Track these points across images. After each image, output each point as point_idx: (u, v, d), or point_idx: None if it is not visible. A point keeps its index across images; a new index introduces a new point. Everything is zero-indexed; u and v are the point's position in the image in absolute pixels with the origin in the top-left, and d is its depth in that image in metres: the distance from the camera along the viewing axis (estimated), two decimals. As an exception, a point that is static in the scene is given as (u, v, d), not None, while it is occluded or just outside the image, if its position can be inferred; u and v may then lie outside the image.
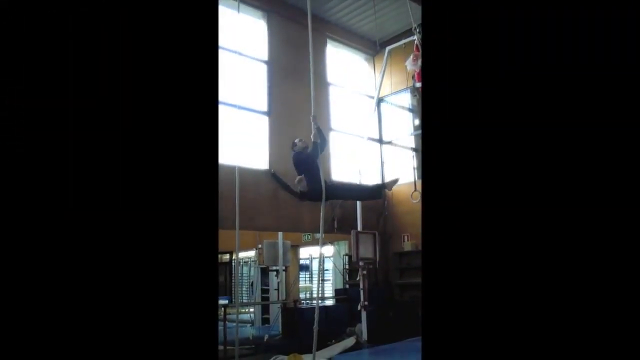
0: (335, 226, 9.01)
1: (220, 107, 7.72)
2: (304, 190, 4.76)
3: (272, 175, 8.47)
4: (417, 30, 4.97)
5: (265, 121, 8.77)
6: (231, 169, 6.23)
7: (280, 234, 10.01)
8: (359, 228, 8.84)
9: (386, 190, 4.99)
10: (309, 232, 10.21)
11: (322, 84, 9.91)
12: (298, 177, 4.80)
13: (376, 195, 5.05)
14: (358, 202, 8.93)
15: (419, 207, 8.58)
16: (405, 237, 10.06)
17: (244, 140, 8.13)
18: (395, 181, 5.06)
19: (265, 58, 9.06)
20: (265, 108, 8.79)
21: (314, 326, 4.43)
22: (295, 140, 5.17)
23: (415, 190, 8.81)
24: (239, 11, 6.57)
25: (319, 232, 8.03)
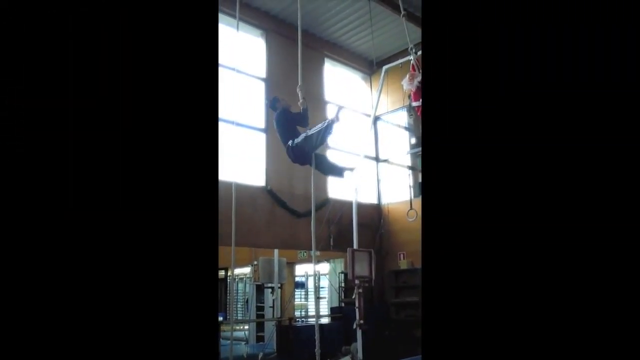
0: (331, 243, 9.00)
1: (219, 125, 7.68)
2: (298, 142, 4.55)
3: (268, 192, 8.48)
4: (413, 50, 5.04)
5: (262, 138, 8.80)
6: (228, 186, 6.24)
7: (275, 250, 9.99)
8: (355, 246, 8.80)
9: (346, 175, 5.02)
10: (304, 249, 10.19)
11: (319, 103, 9.97)
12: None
13: (337, 174, 5.09)
14: (354, 220, 8.92)
15: (414, 225, 8.63)
16: (401, 255, 10.04)
17: (240, 157, 8.15)
18: (352, 169, 5.08)
19: (263, 75, 9.13)
20: (262, 125, 8.84)
21: (316, 349, 4.37)
22: (278, 97, 4.98)
23: (411, 208, 8.82)
24: (237, 29, 6.63)
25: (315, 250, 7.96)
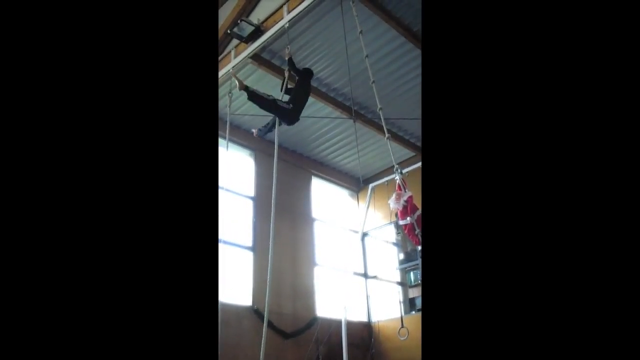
0: (321, 366, 8.62)
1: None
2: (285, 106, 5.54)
3: (255, 311, 8.25)
4: (398, 170, 5.21)
5: (249, 256, 8.72)
6: (214, 306, 6.07)
7: (262, 375, 9.51)
8: (345, 367, 8.45)
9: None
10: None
11: (307, 220, 10.03)
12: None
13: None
14: (344, 340, 8.61)
15: (406, 343, 8.35)
16: (394, 376, 9.61)
17: (227, 275, 8.02)
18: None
19: (252, 194, 9.24)
20: (249, 243, 8.79)
21: None
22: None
23: (403, 326, 8.57)
24: (227, 149, 6.82)
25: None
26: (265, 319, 4.44)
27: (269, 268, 4.52)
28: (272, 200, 4.95)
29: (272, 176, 9.30)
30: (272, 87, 8.25)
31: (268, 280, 4.49)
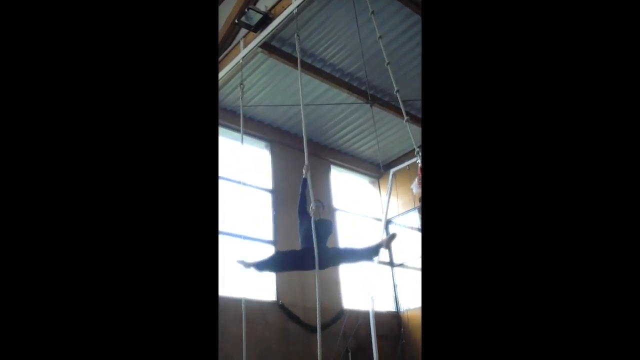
0: (350, 359, 8.43)
1: (226, 238, 7.42)
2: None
3: (280, 306, 8.09)
4: (419, 153, 4.95)
5: (271, 250, 8.54)
6: (237, 302, 5.94)
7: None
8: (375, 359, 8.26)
9: (386, 249, 4.66)
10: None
11: (328, 210, 9.80)
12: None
13: (372, 255, 4.74)
14: (372, 332, 8.40)
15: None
16: (426, 366, 9.37)
17: (250, 271, 7.84)
18: (393, 236, 4.69)
19: (270, 187, 9.05)
20: (270, 237, 8.61)
21: None
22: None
23: (432, 315, 8.33)
24: (242, 142, 6.63)
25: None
26: (317, 319, 4.06)
27: (316, 267, 4.10)
28: (310, 195, 4.64)
29: (291, 167, 9.15)
30: (285, 75, 8.02)
31: (316, 278, 4.14)
